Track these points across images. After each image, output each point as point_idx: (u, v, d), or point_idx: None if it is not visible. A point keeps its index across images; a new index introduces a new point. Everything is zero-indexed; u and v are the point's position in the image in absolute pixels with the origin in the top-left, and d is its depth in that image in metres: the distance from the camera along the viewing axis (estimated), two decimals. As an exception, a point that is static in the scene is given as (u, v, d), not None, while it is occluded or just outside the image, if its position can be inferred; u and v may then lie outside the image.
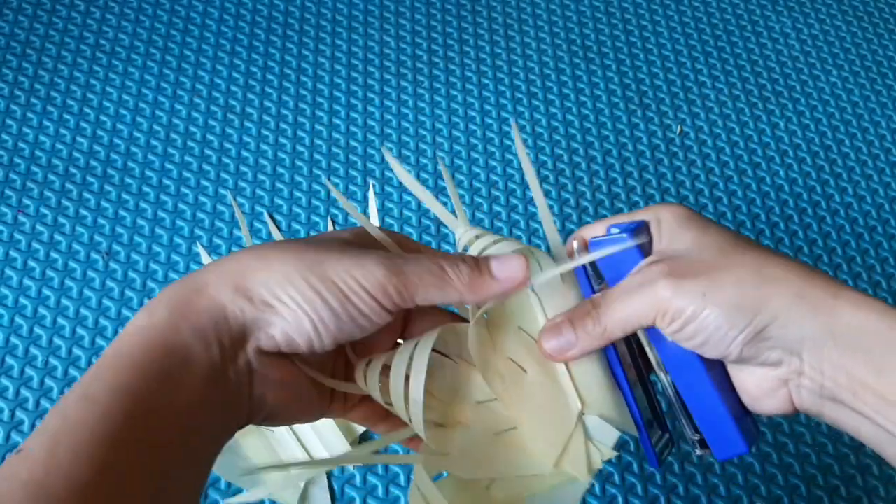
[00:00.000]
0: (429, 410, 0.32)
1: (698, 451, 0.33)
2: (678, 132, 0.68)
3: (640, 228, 0.32)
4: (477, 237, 0.35)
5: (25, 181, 0.60)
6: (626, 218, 0.33)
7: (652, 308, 0.30)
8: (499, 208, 0.62)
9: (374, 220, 0.59)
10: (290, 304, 0.28)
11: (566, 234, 0.61)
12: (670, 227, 0.32)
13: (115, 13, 0.70)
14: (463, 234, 0.35)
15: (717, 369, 0.32)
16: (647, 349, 0.34)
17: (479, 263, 0.32)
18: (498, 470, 0.33)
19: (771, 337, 0.28)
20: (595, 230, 0.34)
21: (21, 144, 0.62)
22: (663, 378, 0.34)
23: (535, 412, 0.34)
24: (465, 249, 0.35)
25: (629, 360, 0.35)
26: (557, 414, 0.34)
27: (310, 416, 0.32)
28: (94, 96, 0.65)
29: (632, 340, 0.35)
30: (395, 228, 0.60)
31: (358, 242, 0.32)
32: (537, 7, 0.75)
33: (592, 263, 0.34)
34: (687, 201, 0.64)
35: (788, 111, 0.70)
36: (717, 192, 0.65)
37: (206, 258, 0.49)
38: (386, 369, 0.31)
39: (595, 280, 0.34)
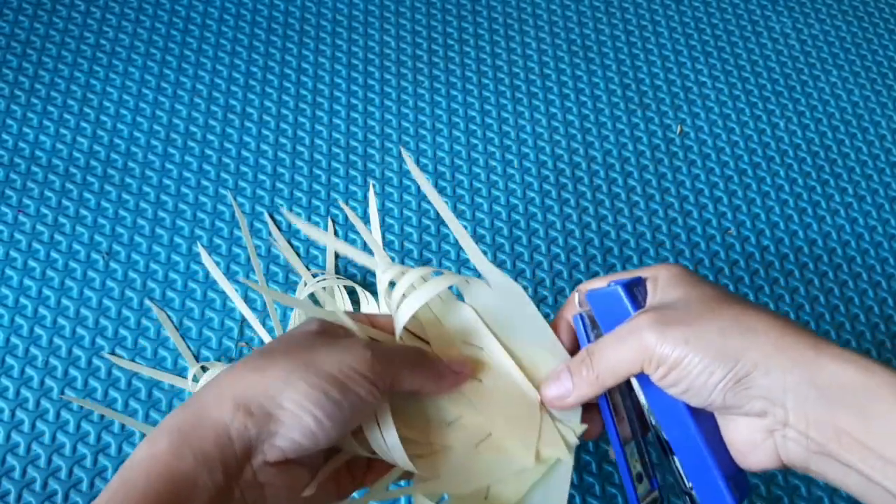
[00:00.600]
0: (410, 446, 0.34)
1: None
2: (678, 132, 0.68)
3: (637, 283, 0.34)
4: (402, 273, 0.36)
5: (26, 181, 0.60)
6: (627, 275, 0.35)
7: (639, 354, 0.31)
8: (499, 208, 0.62)
9: (375, 220, 0.59)
10: (293, 407, 0.28)
11: (566, 233, 0.61)
12: (664, 283, 0.33)
13: (116, 13, 0.70)
14: (383, 273, 0.36)
15: (708, 424, 0.33)
16: (641, 400, 0.35)
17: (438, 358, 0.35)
18: (488, 477, 0.35)
19: (753, 385, 0.29)
20: (596, 284, 0.36)
21: (21, 144, 0.62)
22: (656, 431, 0.35)
23: (502, 414, 0.36)
24: (392, 284, 0.36)
25: (624, 416, 0.36)
26: (522, 409, 0.36)
27: None
28: (94, 96, 0.65)
29: (629, 397, 0.36)
30: (396, 229, 0.60)
31: (329, 331, 0.33)
32: (537, 7, 0.75)
33: (591, 318, 0.36)
34: (687, 202, 0.64)
35: (789, 111, 0.70)
36: (718, 192, 0.65)
37: (206, 258, 0.50)
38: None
39: (593, 331, 0.36)
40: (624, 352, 0.32)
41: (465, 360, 0.36)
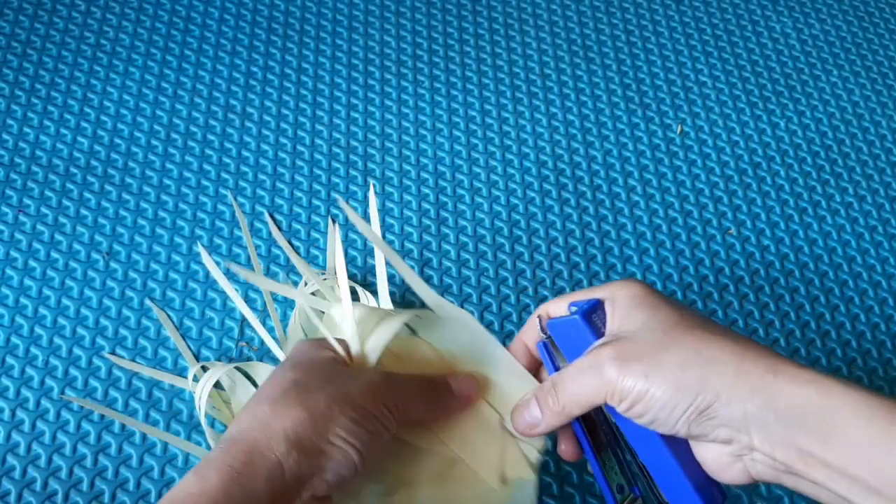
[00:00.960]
0: (381, 486, 0.34)
1: None
2: (678, 132, 0.68)
3: (595, 308, 0.34)
4: (361, 313, 0.36)
5: (26, 181, 0.60)
6: (584, 295, 0.35)
7: (601, 388, 0.31)
8: (499, 208, 0.62)
9: (375, 219, 0.59)
10: (340, 443, 0.29)
11: (567, 233, 0.61)
12: (623, 307, 0.33)
13: (116, 13, 0.70)
14: (340, 311, 0.36)
15: (680, 442, 0.33)
16: (610, 422, 0.36)
17: (445, 384, 0.35)
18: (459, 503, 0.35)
19: (716, 416, 0.29)
20: (556, 307, 0.36)
21: (22, 144, 0.62)
22: (630, 450, 0.35)
23: (466, 441, 0.36)
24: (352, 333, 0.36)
25: (599, 428, 0.36)
26: (485, 434, 0.36)
27: None
28: (94, 96, 0.65)
29: (602, 413, 0.36)
30: (396, 228, 0.60)
31: (341, 359, 0.34)
32: (537, 7, 0.75)
33: (552, 343, 0.36)
34: (687, 202, 0.64)
35: (789, 111, 0.70)
36: (718, 192, 0.65)
37: (206, 258, 0.50)
38: None
39: (558, 358, 0.36)
40: (587, 385, 0.32)
41: (472, 380, 0.36)
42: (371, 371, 0.33)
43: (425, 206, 0.62)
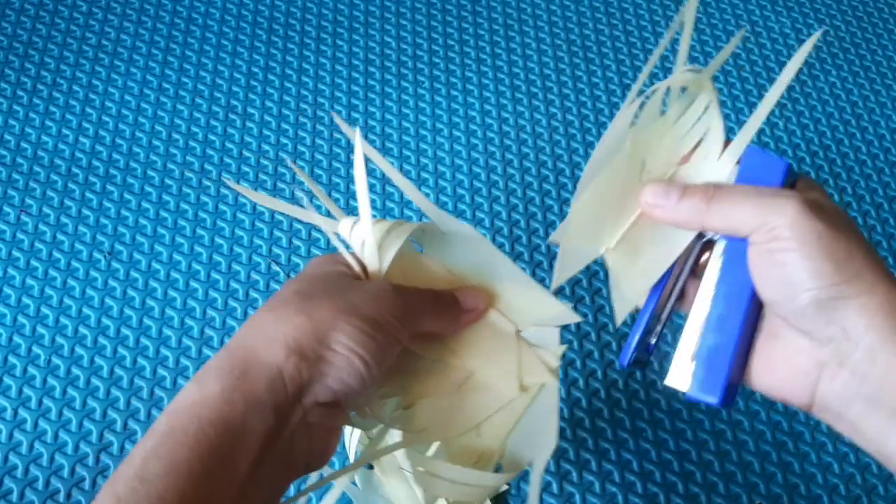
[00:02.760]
0: (397, 399, 0.34)
1: (668, 380, 0.32)
2: (678, 132, 0.68)
3: (797, 173, 0.32)
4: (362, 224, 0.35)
5: (28, 181, 0.60)
6: None
7: (767, 216, 0.29)
8: (499, 208, 0.62)
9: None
10: (343, 350, 0.29)
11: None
12: (817, 191, 0.32)
13: (118, 14, 0.71)
14: (351, 227, 0.35)
15: (751, 325, 0.31)
16: (713, 264, 0.33)
17: (452, 297, 0.34)
18: (476, 417, 0.35)
19: (841, 310, 0.28)
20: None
21: (24, 144, 0.62)
22: (703, 302, 0.33)
23: (480, 351, 0.36)
24: (363, 244, 0.35)
25: (685, 276, 0.34)
26: (498, 342, 0.36)
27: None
28: (96, 96, 0.65)
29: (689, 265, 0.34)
30: (396, 228, 0.60)
31: (353, 272, 0.33)
32: (537, 7, 0.75)
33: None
34: (687, 201, 0.64)
35: (788, 111, 0.70)
36: (717, 192, 0.65)
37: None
38: None
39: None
40: (754, 206, 0.30)
41: (478, 292, 0.35)
42: (379, 282, 0.32)
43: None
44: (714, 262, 0.33)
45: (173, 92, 0.66)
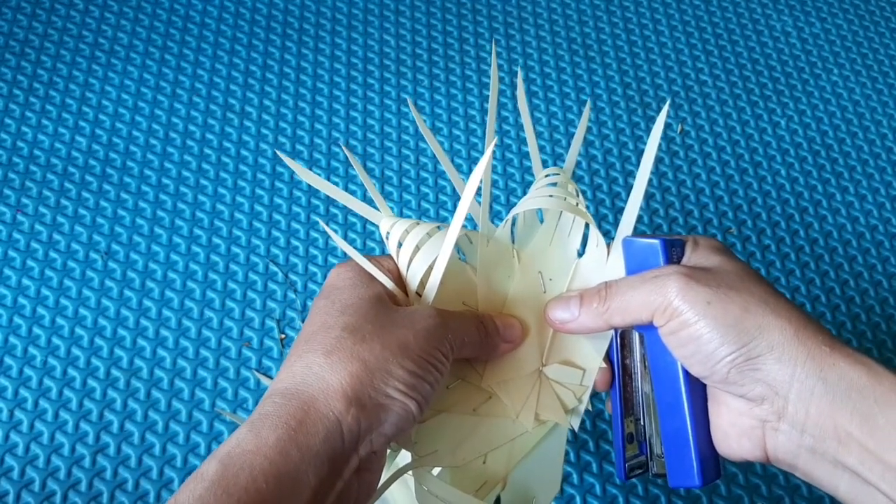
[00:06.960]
0: None
1: (654, 471, 0.34)
2: (679, 131, 0.68)
3: (676, 244, 0.33)
4: (407, 231, 0.35)
5: (24, 180, 0.60)
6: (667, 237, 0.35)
7: (656, 300, 0.30)
8: (499, 208, 0.62)
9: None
10: (398, 396, 0.28)
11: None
12: (704, 248, 0.33)
13: (114, 12, 0.70)
14: (390, 226, 0.35)
15: (698, 398, 0.32)
16: (638, 353, 0.35)
17: (494, 327, 0.34)
18: (487, 444, 0.35)
19: (762, 368, 0.29)
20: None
21: (20, 143, 0.62)
22: (646, 391, 0.34)
23: (502, 376, 0.36)
24: (400, 245, 0.34)
25: (632, 371, 0.36)
26: (521, 371, 0.36)
27: None
28: (92, 95, 0.65)
29: (635, 357, 0.36)
30: (395, 228, 0.60)
31: (389, 293, 0.32)
32: (537, 7, 0.75)
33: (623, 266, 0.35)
34: (688, 201, 0.64)
35: (789, 110, 0.70)
36: (718, 192, 0.64)
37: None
38: None
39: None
40: (642, 294, 0.31)
41: (517, 326, 0.35)
42: (423, 311, 0.31)
43: (425, 205, 0.61)
44: (639, 352, 0.35)
45: (170, 91, 0.66)
